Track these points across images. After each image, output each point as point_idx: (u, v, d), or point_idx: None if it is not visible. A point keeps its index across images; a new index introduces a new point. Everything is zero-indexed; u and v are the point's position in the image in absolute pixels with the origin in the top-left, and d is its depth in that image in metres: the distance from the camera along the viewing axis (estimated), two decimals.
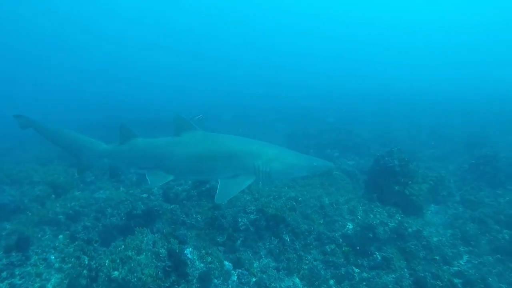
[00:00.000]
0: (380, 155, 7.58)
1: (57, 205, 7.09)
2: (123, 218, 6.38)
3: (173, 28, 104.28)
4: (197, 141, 5.23)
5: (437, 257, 5.25)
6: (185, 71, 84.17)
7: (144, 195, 7.78)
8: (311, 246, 5.67)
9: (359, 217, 6.77)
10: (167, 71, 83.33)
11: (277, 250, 5.44)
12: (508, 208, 6.98)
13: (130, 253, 4.39)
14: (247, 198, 7.43)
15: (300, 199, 7.51)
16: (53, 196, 8.05)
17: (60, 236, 5.93)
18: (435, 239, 5.68)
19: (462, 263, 5.36)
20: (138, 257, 4.40)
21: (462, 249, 5.75)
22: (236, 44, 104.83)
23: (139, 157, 5.67)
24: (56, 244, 5.49)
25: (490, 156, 8.93)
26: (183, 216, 6.33)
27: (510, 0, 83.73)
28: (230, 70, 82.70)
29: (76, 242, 5.41)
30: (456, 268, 5.15)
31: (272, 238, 5.78)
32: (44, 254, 5.29)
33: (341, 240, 5.64)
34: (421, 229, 5.77)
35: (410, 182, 7.17)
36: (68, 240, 5.56)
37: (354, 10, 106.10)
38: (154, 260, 4.44)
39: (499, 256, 5.32)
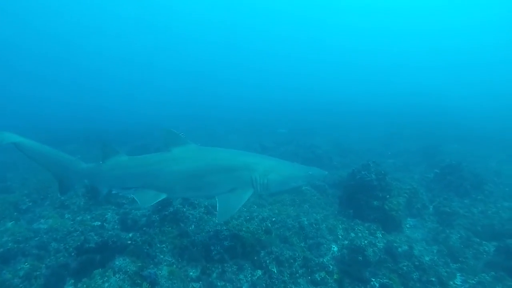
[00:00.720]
0: (356, 169, 7.24)
1: None
2: (73, 255, 5.31)
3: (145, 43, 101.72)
4: (190, 156, 4.90)
5: (433, 279, 4.89)
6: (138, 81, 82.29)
7: (97, 223, 6.70)
8: (297, 275, 5.05)
9: (340, 236, 6.34)
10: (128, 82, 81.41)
11: (264, 284, 4.74)
12: (483, 218, 6.96)
13: None
14: (216, 221, 6.71)
15: (274, 219, 6.91)
16: None
17: None
18: (427, 258, 5.34)
19: (459, 283, 5.05)
20: None
21: (453, 266, 5.46)
22: (191, 56, 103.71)
23: (124, 177, 5.14)
24: None
25: (454, 166, 9.01)
26: (147, 247, 5.45)
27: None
28: (179, 81, 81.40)
29: None
30: None
31: (254, 268, 5.10)
32: None
33: (331, 266, 5.09)
34: (411, 248, 5.41)
35: (388, 196, 6.89)
36: None
37: (301, 26, 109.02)
38: None
39: (493, 273, 5.08)
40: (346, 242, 6.07)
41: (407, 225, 7.05)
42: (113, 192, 6.03)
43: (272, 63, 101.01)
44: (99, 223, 6.73)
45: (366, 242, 5.35)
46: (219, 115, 33.32)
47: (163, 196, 4.70)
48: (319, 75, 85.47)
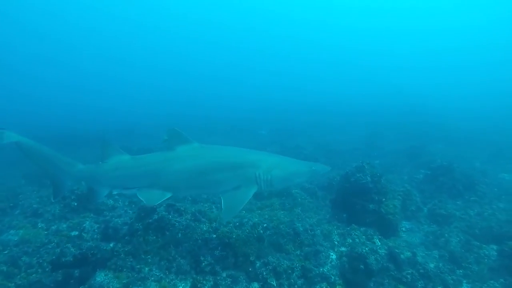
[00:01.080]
0: (350, 171, 6.95)
1: None
2: (48, 270, 4.78)
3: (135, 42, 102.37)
4: (195, 154, 4.94)
5: None
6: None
7: (74, 233, 6.16)
8: (296, 287, 4.70)
9: (336, 243, 6.06)
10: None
11: None
12: (480, 221, 6.79)
13: None
14: (204, 228, 6.33)
15: (265, 225, 6.54)
16: None
17: None
18: (431, 265, 5.07)
19: None
20: None
21: (458, 273, 5.22)
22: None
23: (127, 177, 5.11)
24: None
25: (446, 167, 8.88)
26: (130, 259, 4.98)
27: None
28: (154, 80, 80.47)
29: None
30: None
31: (250, 281, 4.72)
32: None
33: (332, 277, 4.76)
34: (414, 254, 5.15)
35: (384, 199, 6.64)
36: None
37: (280, 25, 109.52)
38: None
39: (502, 280, 4.86)
40: (343, 248, 5.78)
41: (403, 229, 6.82)
42: (114, 193, 5.78)
43: (253, 61, 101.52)
44: (77, 233, 6.19)
45: (367, 249, 5.04)
46: (196, 114, 32.78)
47: (168, 195, 4.70)
48: (301, 74, 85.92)
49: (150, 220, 6.12)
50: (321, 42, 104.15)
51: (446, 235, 6.18)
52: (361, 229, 6.33)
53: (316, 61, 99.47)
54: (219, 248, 5.51)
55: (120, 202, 7.79)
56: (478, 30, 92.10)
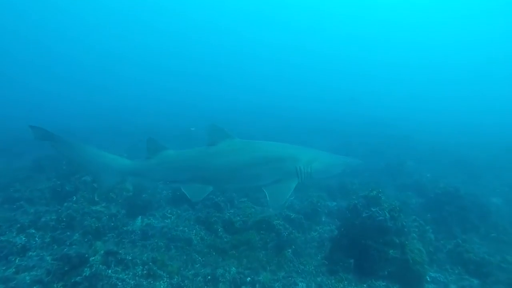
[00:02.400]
0: (360, 203, 5.22)
1: None
2: None
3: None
4: (237, 149, 5.12)
5: None
6: None
7: None
8: None
9: None
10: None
11: None
12: None
13: None
14: (163, 286, 4.34)
15: (249, 279, 4.70)
16: None
17: None
18: None
19: None
20: None
21: None
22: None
23: (172, 170, 5.28)
24: None
25: (452, 193, 7.44)
26: None
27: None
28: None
29: None
30: None
31: None
32: None
33: None
34: None
35: (407, 242, 5.01)
36: None
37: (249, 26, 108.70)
38: None
39: None
40: None
41: (427, 278, 5.17)
42: (160, 185, 5.73)
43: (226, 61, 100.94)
44: None
45: None
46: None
47: (210, 188, 4.89)
48: (264, 77, 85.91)
49: (78, 278, 4.06)
50: (294, 46, 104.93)
51: None
52: (381, 284, 4.65)
53: (285, 64, 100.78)
54: None
55: (37, 239, 5.41)
56: (446, 46, 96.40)
